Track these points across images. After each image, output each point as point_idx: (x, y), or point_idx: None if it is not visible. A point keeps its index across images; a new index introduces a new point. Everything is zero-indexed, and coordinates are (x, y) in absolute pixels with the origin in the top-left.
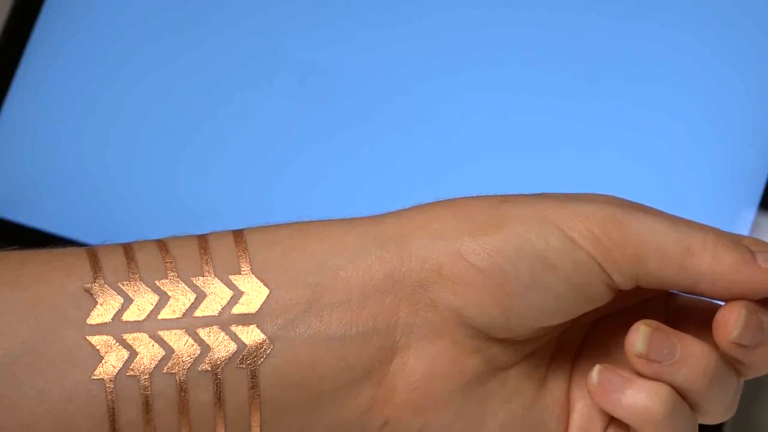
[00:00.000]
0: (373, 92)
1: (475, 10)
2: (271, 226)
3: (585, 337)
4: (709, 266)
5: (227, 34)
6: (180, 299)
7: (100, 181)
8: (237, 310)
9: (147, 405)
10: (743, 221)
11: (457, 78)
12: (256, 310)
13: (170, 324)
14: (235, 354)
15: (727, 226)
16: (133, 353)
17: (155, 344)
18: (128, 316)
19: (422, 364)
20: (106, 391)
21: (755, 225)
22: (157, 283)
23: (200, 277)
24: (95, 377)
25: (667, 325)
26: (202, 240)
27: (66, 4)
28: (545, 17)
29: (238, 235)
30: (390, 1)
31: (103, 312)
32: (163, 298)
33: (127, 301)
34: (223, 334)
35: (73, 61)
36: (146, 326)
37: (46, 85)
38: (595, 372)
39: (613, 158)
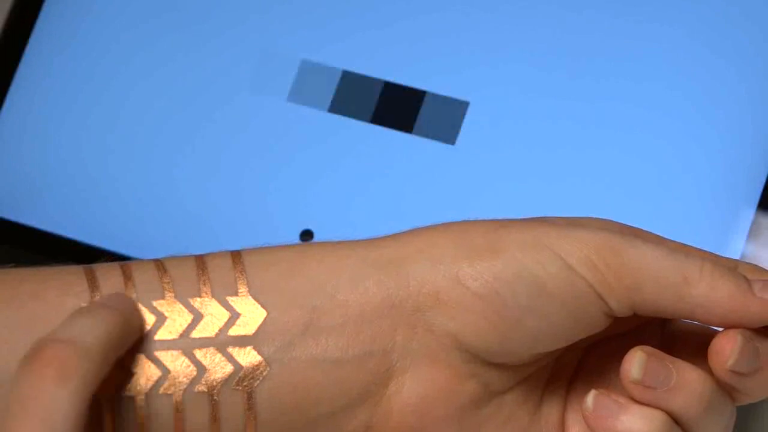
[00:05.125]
0: (372, 92)
1: (474, 10)
2: (270, 247)
3: (580, 361)
4: (705, 295)
5: (228, 34)
6: (177, 320)
7: (100, 181)
8: (234, 331)
9: (143, 425)
10: (742, 221)
11: (455, 78)
12: (253, 332)
13: (167, 345)
14: (231, 375)
15: (727, 226)
16: (130, 373)
17: (151, 365)
18: None
19: (419, 387)
20: (102, 411)
21: (754, 225)
22: (154, 303)
23: (197, 298)
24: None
25: (663, 350)
26: (200, 261)
27: (66, 4)
28: (544, 16)
29: (236, 256)
30: (390, 1)
31: None
32: (160, 319)
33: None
34: (219, 355)
35: (73, 61)
36: (143, 347)
37: (46, 85)
38: (590, 397)
39: (613, 158)
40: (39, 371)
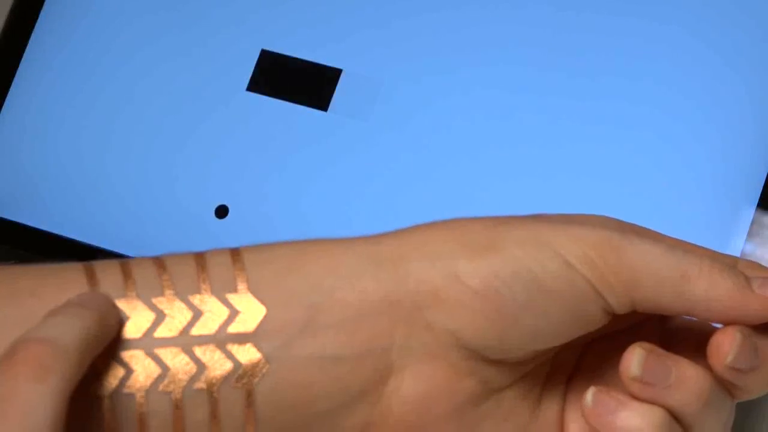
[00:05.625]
0: (370, 91)
1: (472, 9)
2: (268, 244)
3: (579, 358)
4: (704, 292)
5: (227, 34)
6: (176, 317)
7: (100, 181)
8: (233, 328)
9: (142, 423)
10: (742, 220)
11: (453, 77)
12: (253, 329)
13: (166, 342)
14: (230, 373)
15: (727, 224)
16: (129, 370)
17: (151, 362)
18: (124, 333)
19: (417, 385)
20: (102, 408)
21: (754, 224)
22: (153, 300)
23: (197, 296)
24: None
25: (662, 346)
26: (200, 258)
27: (66, 4)
28: (544, 15)
29: (235, 253)
30: (387, 1)
31: None
32: (160, 316)
33: (123, 319)
34: (219, 352)
35: (73, 61)
36: (142, 344)
37: (46, 85)
38: (590, 394)
39: (613, 157)
40: (15, 371)
